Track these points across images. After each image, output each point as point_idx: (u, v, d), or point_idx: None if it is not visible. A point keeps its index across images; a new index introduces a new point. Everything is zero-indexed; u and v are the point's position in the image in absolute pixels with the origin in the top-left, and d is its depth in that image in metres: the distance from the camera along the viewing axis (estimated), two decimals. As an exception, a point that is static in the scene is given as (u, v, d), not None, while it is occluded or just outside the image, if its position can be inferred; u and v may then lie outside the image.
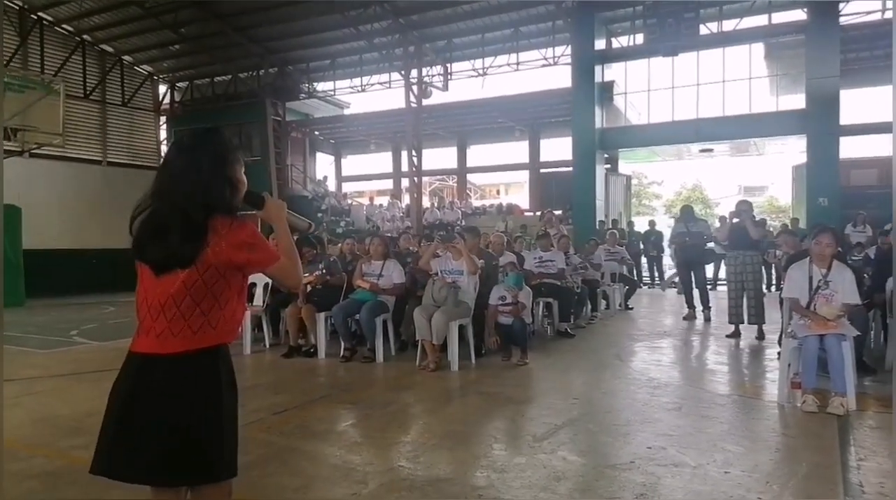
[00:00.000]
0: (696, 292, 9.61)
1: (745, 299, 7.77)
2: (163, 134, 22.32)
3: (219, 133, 2.01)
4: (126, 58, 20.60)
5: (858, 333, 4.88)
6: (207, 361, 1.89)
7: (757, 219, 8.49)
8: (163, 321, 1.86)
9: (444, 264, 6.59)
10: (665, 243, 14.68)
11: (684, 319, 9.47)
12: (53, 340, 8.59)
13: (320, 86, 21.81)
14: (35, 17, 17.60)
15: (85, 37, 19.09)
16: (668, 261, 15.60)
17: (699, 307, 9.51)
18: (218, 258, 1.85)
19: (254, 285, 7.56)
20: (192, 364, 1.86)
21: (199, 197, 1.85)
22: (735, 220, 7.88)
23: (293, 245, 2.07)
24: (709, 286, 13.19)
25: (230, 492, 1.98)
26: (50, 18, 18.00)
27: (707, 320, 9.29)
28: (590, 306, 9.58)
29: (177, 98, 22.59)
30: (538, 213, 19.32)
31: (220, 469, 1.89)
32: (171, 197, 1.87)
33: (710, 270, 12.81)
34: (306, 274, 7.29)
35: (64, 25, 18.46)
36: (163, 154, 23.95)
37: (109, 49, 20.00)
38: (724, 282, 8.69)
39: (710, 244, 10.24)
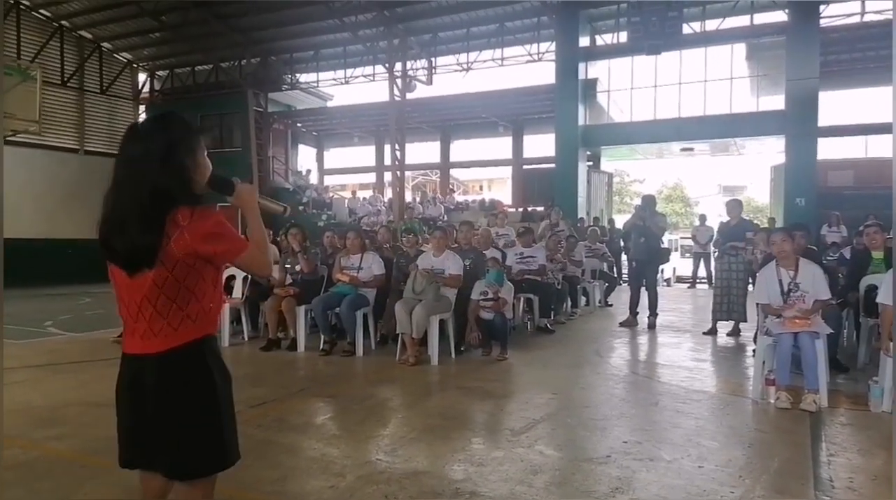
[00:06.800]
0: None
1: (730, 296, 7.75)
2: (142, 123, 22.01)
3: (173, 117, 1.91)
4: (105, 45, 20.27)
5: (832, 331, 4.96)
6: (195, 354, 1.87)
7: (746, 218, 8.45)
8: (143, 321, 1.84)
9: (427, 261, 6.61)
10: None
11: (621, 325, 8.57)
12: (28, 330, 8.45)
13: (303, 77, 21.63)
14: (11, 1, 17.23)
15: (63, 22, 18.74)
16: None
17: (644, 312, 8.54)
18: (184, 251, 1.79)
19: (233, 277, 7.50)
20: (180, 360, 1.84)
21: (152, 186, 1.77)
22: (726, 219, 7.95)
23: (264, 233, 1.99)
24: (665, 285, 13.16)
25: (215, 481, 1.96)
26: (27, 3, 17.63)
27: (651, 327, 8.34)
28: (570, 303, 9.65)
29: (156, 87, 22.28)
30: (520, 209, 19.40)
31: (229, 456, 1.91)
32: (127, 189, 1.80)
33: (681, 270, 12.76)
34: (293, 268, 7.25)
35: (41, 10, 18.10)
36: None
37: (88, 35, 19.66)
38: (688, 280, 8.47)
39: (666, 243, 9.29)
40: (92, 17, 18.54)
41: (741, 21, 16.05)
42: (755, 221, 10.73)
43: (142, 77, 22.10)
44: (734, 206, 8.03)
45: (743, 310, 7.69)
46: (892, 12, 14.21)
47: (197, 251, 1.81)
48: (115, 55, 20.84)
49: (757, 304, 5.43)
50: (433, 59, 19.33)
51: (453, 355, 6.45)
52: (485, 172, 31.50)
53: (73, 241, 16.70)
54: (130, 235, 1.76)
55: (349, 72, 20.41)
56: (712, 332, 7.84)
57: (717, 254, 8.47)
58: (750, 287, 7.97)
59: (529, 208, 18.95)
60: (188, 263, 1.82)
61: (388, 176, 21.74)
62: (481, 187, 33.78)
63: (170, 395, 1.83)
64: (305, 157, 25.63)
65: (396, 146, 18.62)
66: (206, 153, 1.95)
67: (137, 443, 1.88)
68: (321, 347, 6.70)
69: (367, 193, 23.08)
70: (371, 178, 25.94)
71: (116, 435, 1.93)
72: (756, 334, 5.88)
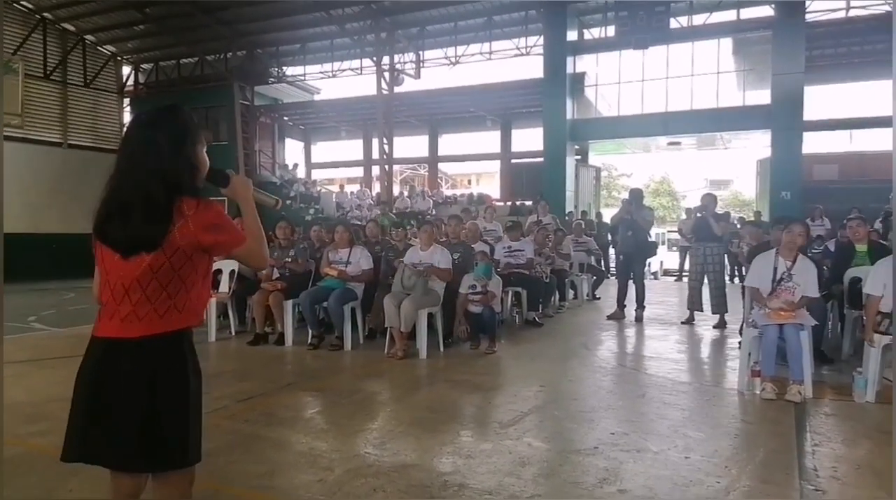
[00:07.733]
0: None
1: (707, 290, 8.01)
2: (126, 116, 21.77)
3: (180, 111, 1.95)
4: (88, 37, 20.01)
5: (817, 323, 4.99)
6: (174, 344, 1.86)
7: (721, 211, 8.57)
8: (128, 305, 1.82)
9: (414, 255, 6.59)
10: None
11: (609, 318, 8.59)
12: (11, 326, 8.34)
13: (290, 70, 21.51)
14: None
15: (45, 15, 18.47)
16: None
17: (631, 305, 8.55)
18: (186, 240, 1.81)
19: (219, 271, 7.44)
20: (158, 348, 1.83)
21: (159, 177, 1.80)
22: (699, 214, 8.05)
23: (260, 225, 2.02)
24: (652, 278, 13.27)
25: (193, 479, 1.96)
26: (8, -6, 17.40)
27: (639, 320, 8.36)
28: (558, 296, 9.66)
29: (141, 80, 22.05)
30: (508, 203, 19.42)
31: (189, 454, 1.87)
32: (132, 176, 1.82)
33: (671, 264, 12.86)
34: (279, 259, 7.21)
35: (23, 2, 17.83)
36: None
37: (71, 28, 19.41)
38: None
39: (653, 236, 9.29)
40: (75, 10, 18.29)
41: (728, 16, 16.16)
42: (741, 216, 10.84)
43: (126, 70, 21.86)
44: (710, 200, 8.13)
45: (723, 301, 7.81)
46: (877, 7, 14.35)
47: (199, 240, 1.83)
48: (99, 48, 20.59)
49: (744, 287, 5.47)
50: (421, 53, 19.28)
51: (442, 349, 6.44)
52: (473, 166, 31.44)
53: (57, 235, 16.51)
54: (134, 221, 1.77)
55: (336, 65, 20.32)
56: (689, 320, 8.07)
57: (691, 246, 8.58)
58: (728, 280, 8.10)
59: (518, 202, 18.96)
60: (187, 252, 1.83)
61: (375, 170, 21.67)
62: (470, 182, 33.72)
63: (142, 383, 1.79)
64: (292, 150, 25.50)
65: (384, 140, 18.57)
66: (205, 149, 1.99)
67: (94, 433, 1.80)
68: (309, 341, 6.67)
69: (355, 188, 22.99)
70: (359, 172, 25.83)
71: (68, 424, 1.84)
72: (742, 325, 5.93)
